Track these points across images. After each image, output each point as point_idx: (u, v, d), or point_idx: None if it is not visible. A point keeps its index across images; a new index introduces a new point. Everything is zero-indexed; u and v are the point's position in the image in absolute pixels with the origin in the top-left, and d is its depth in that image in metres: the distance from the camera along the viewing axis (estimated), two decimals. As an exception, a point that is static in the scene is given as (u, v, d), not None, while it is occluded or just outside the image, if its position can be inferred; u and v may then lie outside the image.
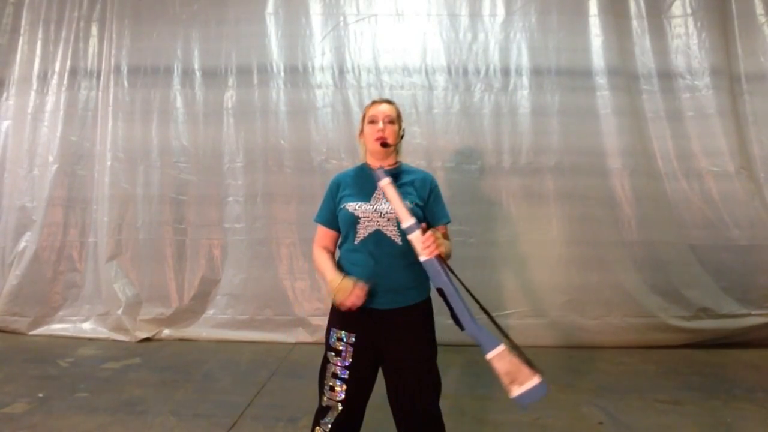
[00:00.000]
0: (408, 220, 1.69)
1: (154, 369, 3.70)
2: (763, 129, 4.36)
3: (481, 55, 4.42)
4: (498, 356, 1.60)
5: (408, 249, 1.81)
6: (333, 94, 4.45)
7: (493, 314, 1.75)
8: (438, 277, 1.67)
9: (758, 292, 4.22)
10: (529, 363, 1.60)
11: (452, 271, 1.71)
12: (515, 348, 1.63)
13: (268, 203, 4.43)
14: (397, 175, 1.91)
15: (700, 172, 4.33)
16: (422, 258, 1.68)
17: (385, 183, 1.73)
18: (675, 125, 4.36)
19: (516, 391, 1.56)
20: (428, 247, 1.66)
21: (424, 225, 1.76)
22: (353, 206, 1.83)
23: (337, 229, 1.92)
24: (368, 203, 1.83)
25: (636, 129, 4.35)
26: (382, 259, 1.79)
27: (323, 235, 1.94)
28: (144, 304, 4.44)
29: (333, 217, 1.91)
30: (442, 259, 1.70)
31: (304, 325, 4.35)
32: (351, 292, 1.71)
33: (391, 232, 1.80)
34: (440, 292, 1.68)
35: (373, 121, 1.90)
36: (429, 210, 1.89)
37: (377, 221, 1.80)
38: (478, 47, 4.42)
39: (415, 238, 1.68)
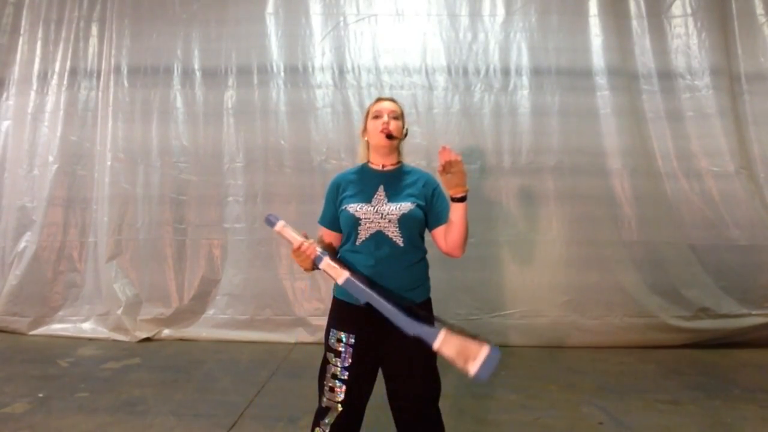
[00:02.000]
0: (314, 253, 1.73)
1: (154, 369, 3.70)
2: (763, 129, 4.36)
3: (481, 55, 4.42)
4: (443, 342, 1.61)
5: (409, 250, 1.82)
6: (333, 94, 4.45)
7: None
8: (361, 294, 1.69)
9: (758, 292, 4.22)
10: (474, 337, 1.62)
11: (373, 282, 1.73)
12: (455, 328, 1.64)
13: (268, 203, 4.42)
14: (398, 175, 1.91)
15: (700, 172, 4.33)
16: (340, 281, 1.71)
17: (280, 227, 1.78)
18: (675, 125, 4.35)
19: (473, 367, 1.57)
20: (337, 270, 1.70)
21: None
22: (354, 207, 1.82)
23: (340, 230, 1.91)
24: (369, 204, 1.83)
25: (636, 129, 4.35)
26: (384, 260, 1.78)
27: (326, 235, 1.95)
28: (144, 304, 4.44)
29: (334, 218, 1.91)
30: (358, 276, 1.72)
31: (304, 325, 4.34)
32: (301, 253, 1.73)
33: (392, 233, 1.80)
34: (368, 305, 1.69)
35: (377, 116, 1.89)
36: (433, 209, 1.89)
37: (379, 222, 1.80)
38: (478, 47, 4.42)
39: (326, 265, 1.73)
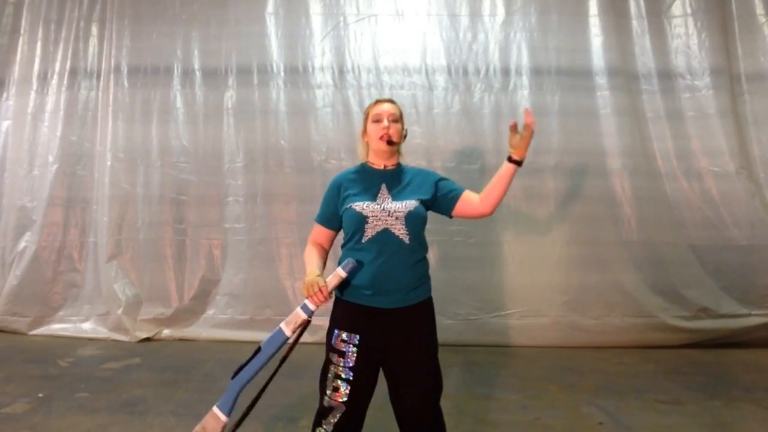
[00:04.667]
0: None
1: (154, 369, 3.70)
2: (763, 129, 4.35)
3: (481, 55, 4.41)
4: (213, 416, 1.77)
5: (415, 248, 1.83)
6: (333, 94, 4.45)
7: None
8: (272, 343, 1.77)
9: (758, 292, 4.22)
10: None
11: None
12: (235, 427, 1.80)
13: (268, 203, 4.43)
14: (399, 174, 1.91)
15: (700, 172, 4.33)
16: (282, 329, 1.77)
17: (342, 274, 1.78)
18: (675, 125, 4.35)
19: None
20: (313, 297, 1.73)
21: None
22: (361, 206, 1.82)
23: (335, 229, 1.94)
24: (375, 202, 1.84)
25: (636, 129, 4.35)
26: (390, 258, 1.79)
27: (319, 233, 1.96)
28: (144, 304, 4.44)
29: (332, 217, 1.92)
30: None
31: (304, 325, 4.34)
32: (314, 291, 1.73)
33: (399, 231, 1.80)
34: (257, 350, 1.78)
35: (377, 120, 1.90)
36: (442, 193, 1.91)
37: (386, 220, 1.80)
38: (478, 47, 4.42)
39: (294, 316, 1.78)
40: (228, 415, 1.76)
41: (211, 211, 4.48)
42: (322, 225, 1.95)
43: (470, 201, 1.91)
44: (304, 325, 1.77)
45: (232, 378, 1.77)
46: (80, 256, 4.58)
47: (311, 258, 1.90)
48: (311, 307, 1.75)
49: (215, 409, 1.78)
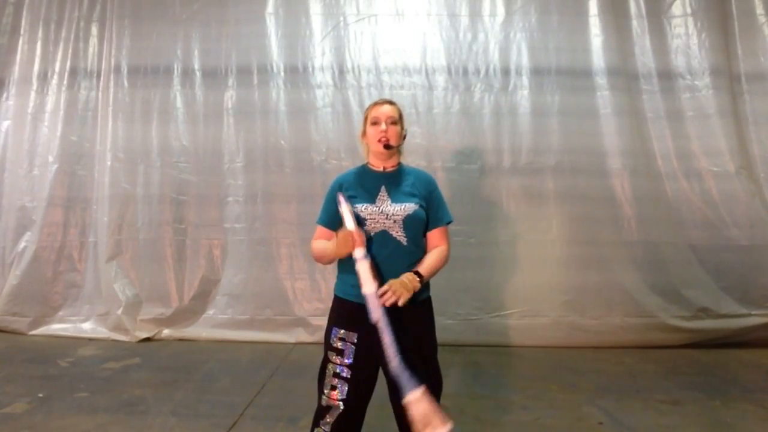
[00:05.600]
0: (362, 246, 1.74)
1: (154, 369, 3.70)
2: (763, 129, 4.36)
3: (481, 55, 4.42)
4: (416, 400, 1.64)
5: (413, 249, 1.83)
6: (333, 94, 4.45)
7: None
8: (375, 313, 1.69)
9: (758, 292, 4.22)
10: (441, 410, 1.66)
11: (388, 312, 1.72)
12: (430, 394, 1.67)
13: (268, 203, 4.43)
14: (399, 176, 1.91)
15: (700, 172, 4.33)
16: (364, 290, 1.71)
17: (345, 207, 1.78)
18: (675, 125, 4.36)
19: None
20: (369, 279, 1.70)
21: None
22: (359, 208, 1.83)
23: (337, 231, 1.92)
24: (373, 205, 1.84)
25: (636, 129, 4.35)
26: (387, 259, 1.79)
27: (322, 234, 1.95)
28: (144, 304, 4.44)
29: (334, 219, 1.91)
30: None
31: (304, 325, 4.34)
32: (350, 239, 1.73)
33: (396, 232, 1.81)
34: (375, 325, 1.70)
35: (375, 123, 1.90)
36: (431, 211, 1.90)
37: (383, 222, 1.81)
38: (478, 47, 4.42)
39: (363, 268, 1.72)
40: (414, 388, 1.65)
41: (211, 211, 4.48)
42: (325, 227, 1.95)
43: (431, 239, 1.92)
44: (373, 269, 1.74)
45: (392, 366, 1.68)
46: (80, 256, 4.58)
47: (324, 243, 1.90)
48: (360, 252, 1.73)
49: (410, 397, 1.65)
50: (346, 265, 1.84)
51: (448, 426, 1.60)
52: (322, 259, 1.90)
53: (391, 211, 1.82)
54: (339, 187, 1.93)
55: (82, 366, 3.75)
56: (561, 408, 3.02)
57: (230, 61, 4.51)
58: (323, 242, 1.91)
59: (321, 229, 1.96)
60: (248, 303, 4.41)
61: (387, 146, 1.87)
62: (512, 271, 4.30)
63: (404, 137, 1.97)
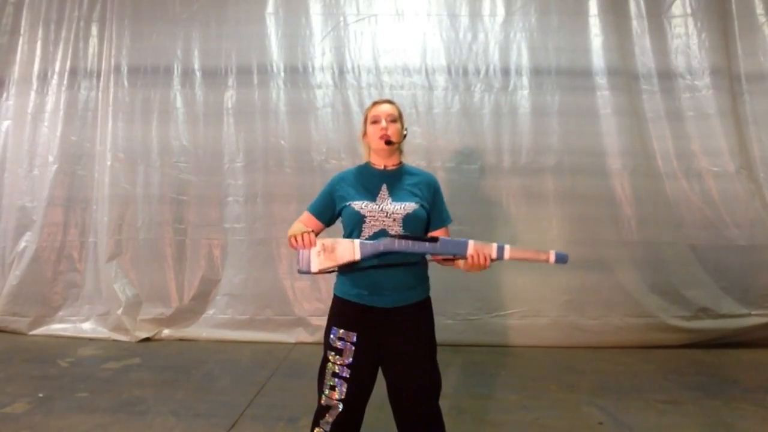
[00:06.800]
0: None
1: (154, 369, 3.70)
2: (763, 129, 4.35)
3: (481, 55, 4.41)
4: (351, 246, 1.71)
5: None
6: (333, 94, 4.45)
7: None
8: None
9: (758, 292, 4.22)
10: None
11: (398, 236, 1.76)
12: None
13: (268, 203, 4.42)
14: (400, 175, 1.92)
15: (700, 172, 4.33)
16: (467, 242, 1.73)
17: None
18: (675, 125, 4.35)
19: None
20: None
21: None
22: (359, 205, 1.83)
23: (323, 222, 1.94)
24: (374, 203, 1.84)
25: (636, 129, 4.35)
26: (386, 258, 1.79)
27: (308, 220, 1.95)
28: (144, 304, 4.43)
29: (324, 210, 1.92)
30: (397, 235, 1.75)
31: (304, 325, 4.34)
32: (306, 237, 1.75)
33: (395, 231, 1.80)
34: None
35: (375, 122, 1.90)
36: (434, 212, 1.91)
37: (383, 221, 1.81)
38: (478, 47, 4.42)
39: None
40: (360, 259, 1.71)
41: (211, 211, 4.48)
42: (313, 215, 1.95)
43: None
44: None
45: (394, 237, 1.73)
46: (80, 256, 4.57)
47: (297, 224, 1.92)
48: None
49: (357, 241, 1.73)
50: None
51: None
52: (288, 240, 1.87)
53: (391, 210, 1.82)
54: (339, 180, 1.93)
55: (82, 366, 3.75)
56: (561, 408, 3.03)
57: (230, 61, 4.50)
58: (298, 224, 1.92)
59: (307, 215, 1.96)
60: (248, 303, 4.40)
61: (388, 142, 1.87)
62: (512, 271, 4.28)
63: (405, 135, 1.97)
